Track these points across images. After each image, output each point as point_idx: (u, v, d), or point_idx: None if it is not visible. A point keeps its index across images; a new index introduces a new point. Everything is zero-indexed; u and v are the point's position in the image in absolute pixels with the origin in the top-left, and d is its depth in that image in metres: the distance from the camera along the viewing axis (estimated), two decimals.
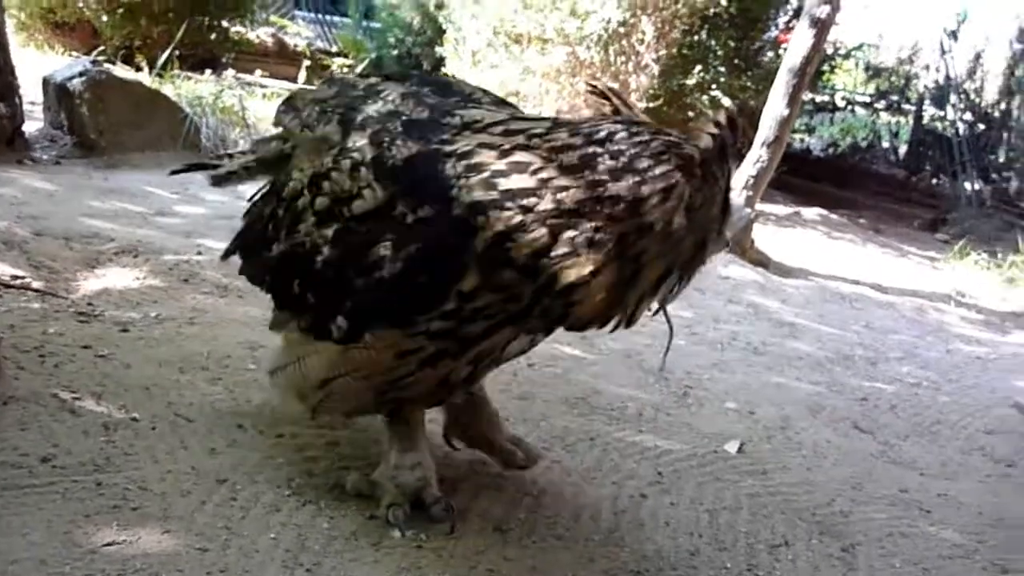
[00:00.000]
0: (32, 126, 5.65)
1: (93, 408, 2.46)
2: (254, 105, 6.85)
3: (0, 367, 2.52)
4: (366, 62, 9.91)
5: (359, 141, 1.95)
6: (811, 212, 9.38)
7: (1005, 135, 11.97)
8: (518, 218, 1.73)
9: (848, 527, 2.65)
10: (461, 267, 1.79)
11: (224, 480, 2.24)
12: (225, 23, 10.00)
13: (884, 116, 13.65)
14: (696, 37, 8.64)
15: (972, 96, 12.41)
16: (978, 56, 12.40)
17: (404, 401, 2.15)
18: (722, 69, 8.83)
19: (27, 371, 2.60)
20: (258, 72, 9.25)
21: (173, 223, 4.41)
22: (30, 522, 1.94)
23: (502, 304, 1.82)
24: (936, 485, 3.11)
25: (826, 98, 13.05)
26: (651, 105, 8.01)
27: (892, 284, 6.79)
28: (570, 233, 1.70)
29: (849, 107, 13.52)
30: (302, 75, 9.11)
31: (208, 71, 7.78)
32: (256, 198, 2.37)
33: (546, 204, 1.71)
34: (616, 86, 7.90)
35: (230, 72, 7.87)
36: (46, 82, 5.83)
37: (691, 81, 8.52)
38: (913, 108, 13.36)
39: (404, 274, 1.83)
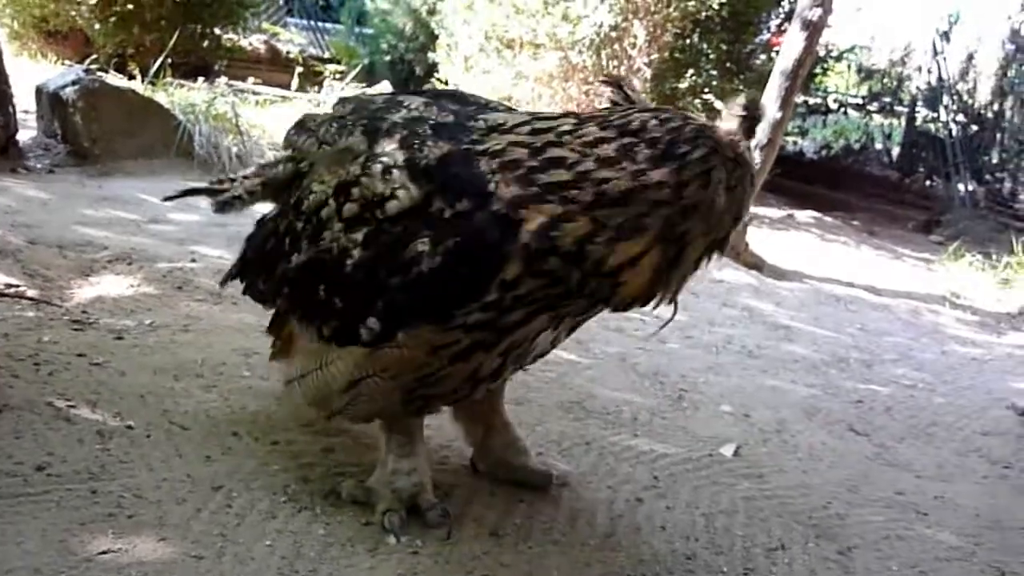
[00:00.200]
0: (25, 135, 5.64)
1: (88, 416, 2.46)
2: (247, 112, 6.84)
3: None
4: (358, 68, 9.90)
5: (388, 146, 1.99)
6: (805, 215, 9.39)
7: (998, 136, 12.01)
8: (560, 209, 1.80)
9: (844, 530, 2.65)
10: (503, 258, 1.84)
11: (219, 487, 2.24)
12: (218, 30, 10.00)
13: (877, 118, 13.67)
14: (688, 41, 8.65)
15: (965, 97, 12.45)
16: (970, 57, 12.44)
17: (431, 399, 2.18)
18: (714, 72, 8.85)
19: (22, 379, 2.60)
20: (251, 79, 9.24)
21: (167, 231, 4.41)
22: (25, 531, 1.94)
23: (544, 289, 1.88)
24: (932, 487, 3.11)
25: (819, 100, 13.08)
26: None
27: (887, 286, 6.80)
28: (616, 220, 1.79)
29: (842, 109, 13.53)
30: (295, 82, 9.09)
31: (201, 79, 7.77)
32: (265, 219, 2.43)
33: (587, 195, 1.79)
34: (609, 90, 7.92)
35: (223, 79, 7.88)
36: (39, 91, 5.83)
37: (683, 85, 8.53)
38: (906, 110, 13.40)
39: (444, 268, 1.86)
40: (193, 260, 3.95)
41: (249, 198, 2.43)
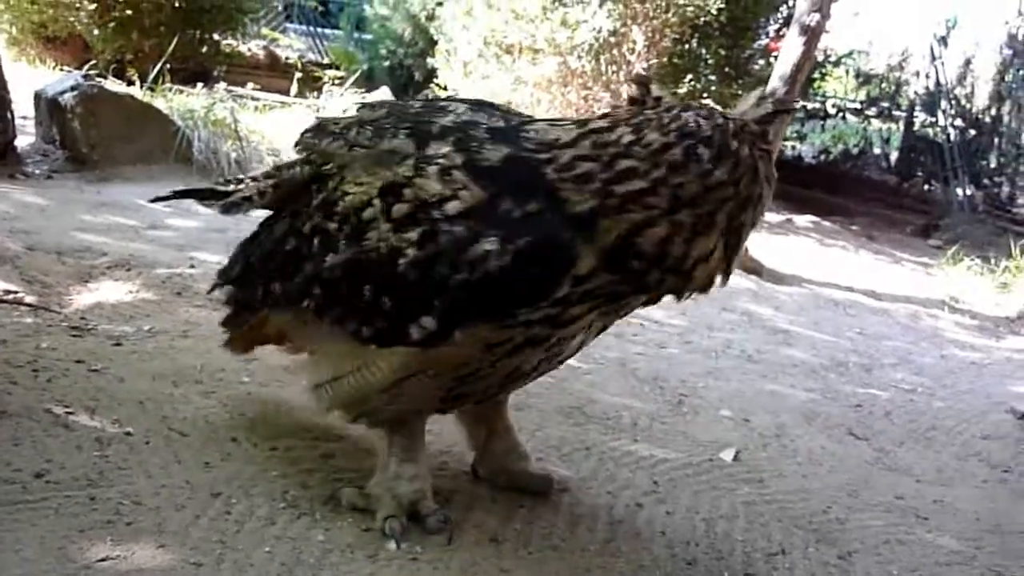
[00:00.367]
0: (24, 140, 5.64)
1: (86, 423, 2.45)
2: (246, 118, 6.85)
3: None
4: (357, 74, 9.90)
5: (442, 148, 2.01)
6: (803, 219, 9.40)
7: (996, 140, 12.02)
8: (642, 217, 1.87)
9: (845, 534, 2.64)
10: (575, 256, 1.90)
11: (218, 494, 2.23)
12: (217, 36, 10.02)
13: (875, 123, 13.70)
14: (687, 46, 8.67)
15: (963, 102, 12.46)
16: (968, 62, 12.45)
17: (465, 396, 2.22)
18: (713, 77, 8.86)
19: (20, 386, 2.59)
20: (250, 85, 9.23)
21: (166, 236, 4.40)
22: (23, 538, 1.93)
23: (616, 285, 1.96)
24: (932, 491, 3.10)
25: (817, 105, 13.10)
26: None
27: (885, 290, 6.80)
28: (691, 220, 1.88)
29: (840, 114, 13.56)
30: (294, 88, 9.10)
31: (200, 84, 7.77)
32: (270, 222, 2.40)
33: (664, 201, 1.87)
34: (608, 95, 7.94)
35: (222, 85, 7.87)
36: (38, 96, 5.83)
37: (682, 90, 8.54)
38: (904, 114, 13.41)
39: (514, 267, 1.89)
40: (192, 266, 3.95)
41: (259, 199, 2.40)
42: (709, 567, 2.33)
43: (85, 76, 6.00)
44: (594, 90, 8.02)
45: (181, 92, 6.97)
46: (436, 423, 2.61)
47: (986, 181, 11.93)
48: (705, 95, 8.58)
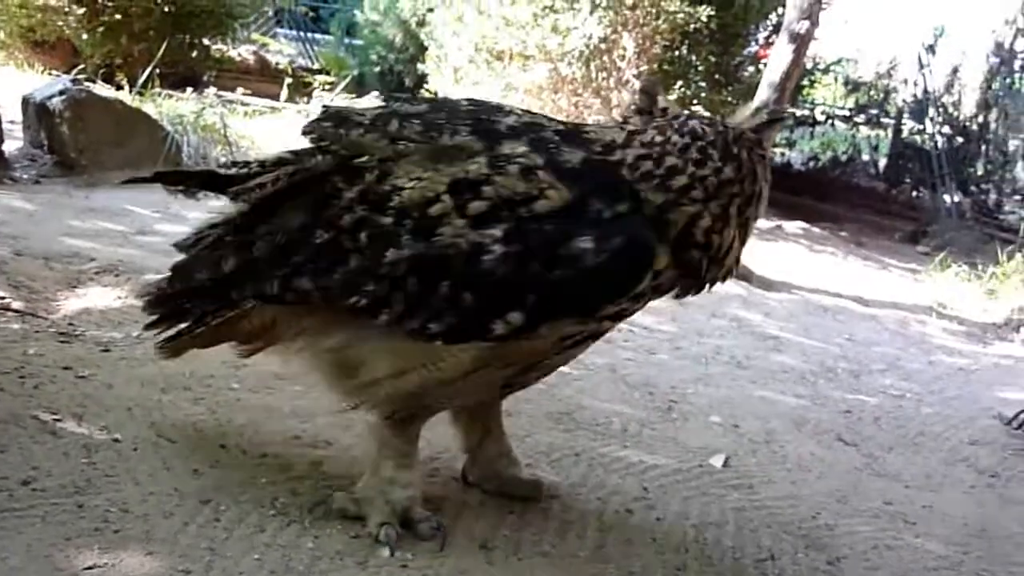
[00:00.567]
0: (11, 145, 5.62)
1: (74, 429, 2.44)
2: (236, 123, 6.84)
3: None
4: (348, 79, 9.91)
5: (518, 148, 2.08)
6: (793, 226, 9.42)
7: (983, 148, 12.06)
8: (693, 208, 2.09)
9: (834, 540, 2.65)
10: (656, 252, 2.07)
11: (207, 501, 2.22)
12: (206, 41, 10.00)
13: (864, 130, 13.72)
14: (677, 53, 8.70)
15: (950, 109, 12.51)
16: (955, 70, 12.50)
17: (515, 387, 2.34)
18: (703, 84, 8.90)
19: (7, 392, 2.58)
20: (240, 90, 9.26)
21: (154, 242, 4.39)
22: (10, 546, 1.92)
23: (676, 279, 2.16)
24: (920, 497, 3.11)
25: (806, 112, 13.13)
26: None
27: (874, 297, 6.82)
28: (719, 212, 2.11)
29: (829, 121, 13.60)
30: (284, 93, 9.10)
31: (189, 89, 7.77)
32: (274, 214, 2.22)
33: (700, 193, 2.10)
34: (598, 101, 7.96)
35: (211, 90, 7.88)
36: (26, 101, 5.81)
37: (672, 96, 8.55)
38: (892, 122, 13.44)
39: (609, 264, 2.01)
40: None
41: (272, 187, 2.25)
42: (699, 573, 2.33)
43: (74, 81, 5.98)
44: (584, 96, 8.03)
45: (170, 97, 6.96)
46: (424, 431, 2.60)
47: (973, 188, 11.97)
48: (695, 102, 8.62)
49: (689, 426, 3.37)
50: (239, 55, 11.24)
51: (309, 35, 14.20)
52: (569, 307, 2.06)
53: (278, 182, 2.24)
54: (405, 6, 10.58)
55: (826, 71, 12.56)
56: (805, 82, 11.22)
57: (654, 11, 7.70)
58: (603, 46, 7.74)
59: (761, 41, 10.14)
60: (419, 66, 9.55)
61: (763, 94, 6.29)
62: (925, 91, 12.39)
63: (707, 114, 2.29)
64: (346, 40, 13.16)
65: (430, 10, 9.51)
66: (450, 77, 8.62)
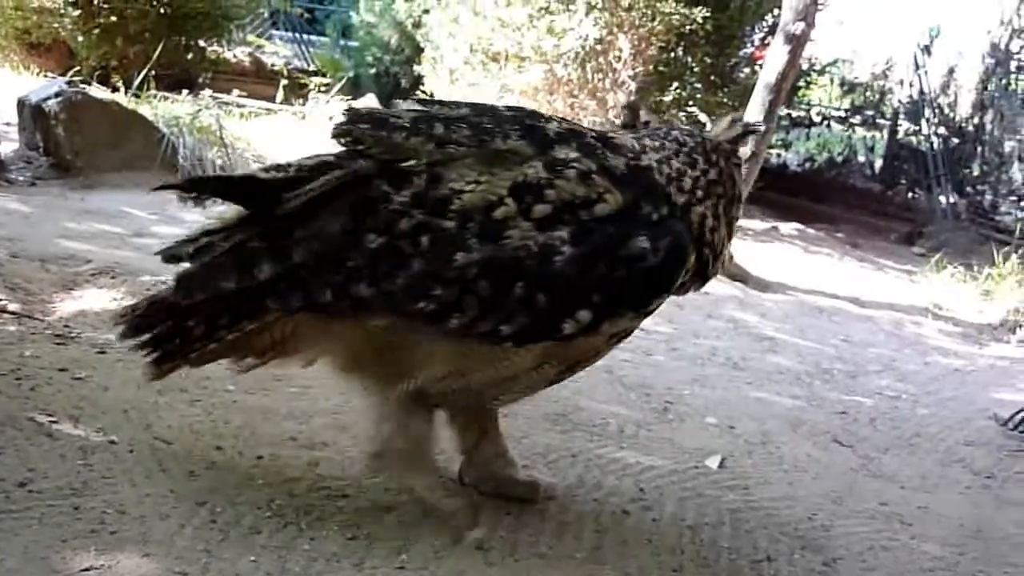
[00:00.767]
0: (7, 147, 5.62)
1: (70, 431, 2.44)
2: (231, 125, 6.84)
3: None
4: (344, 81, 9.90)
5: (571, 153, 2.16)
6: (788, 227, 9.42)
7: (979, 149, 12.07)
8: (702, 208, 2.27)
9: (830, 541, 2.65)
10: (690, 252, 2.24)
11: (203, 503, 2.23)
12: (202, 43, 9.99)
13: (859, 131, 13.74)
14: (672, 54, 8.69)
15: (946, 110, 12.52)
16: (951, 71, 12.52)
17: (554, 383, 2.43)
18: (698, 85, 8.90)
19: (3, 394, 2.58)
20: (235, 92, 9.23)
21: (151, 244, 4.38)
22: (6, 548, 1.92)
23: (691, 275, 2.31)
24: (916, 498, 3.12)
25: (802, 113, 13.15)
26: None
27: (870, 298, 6.83)
28: (714, 210, 2.29)
29: (825, 122, 13.60)
30: (280, 94, 9.09)
31: (185, 91, 7.76)
32: (307, 218, 2.14)
33: (700, 194, 2.28)
34: (594, 103, 7.96)
35: (207, 92, 7.86)
36: (21, 103, 5.80)
37: (668, 98, 8.57)
38: (888, 123, 13.46)
39: (664, 263, 2.17)
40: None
41: (317, 191, 2.15)
42: (695, 574, 2.33)
43: (69, 83, 5.97)
44: (580, 98, 8.03)
45: (166, 99, 6.96)
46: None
47: (969, 189, 11.97)
48: (691, 103, 8.62)
49: (685, 427, 3.38)
50: (235, 57, 11.22)
51: (305, 37, 14.17)
52: (629, 304, 2.19)
53: (325, 186, 2.15)
54: (401, 8, 10.57)
55: (822, 72, 12.57)
56: (801, 83, 11.23)
57: (650, 12, 7.70)
58: (599, 47, 7.74)
59: (757, 42, 10.14)
60: (415, 68, 9.54)
61: (759, 95, 6.29)
62: (921, 92, 12.40)
63: (684, 127, 2.38)
64: (342, 42, 13.15)
65: (426, 11, 9.50)
66: (446, 78, 8.62)
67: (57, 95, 5.57)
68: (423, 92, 9.09)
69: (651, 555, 2.38)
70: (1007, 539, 2.91)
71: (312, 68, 11.81)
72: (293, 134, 7.77)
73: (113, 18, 8.87)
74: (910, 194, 12.63)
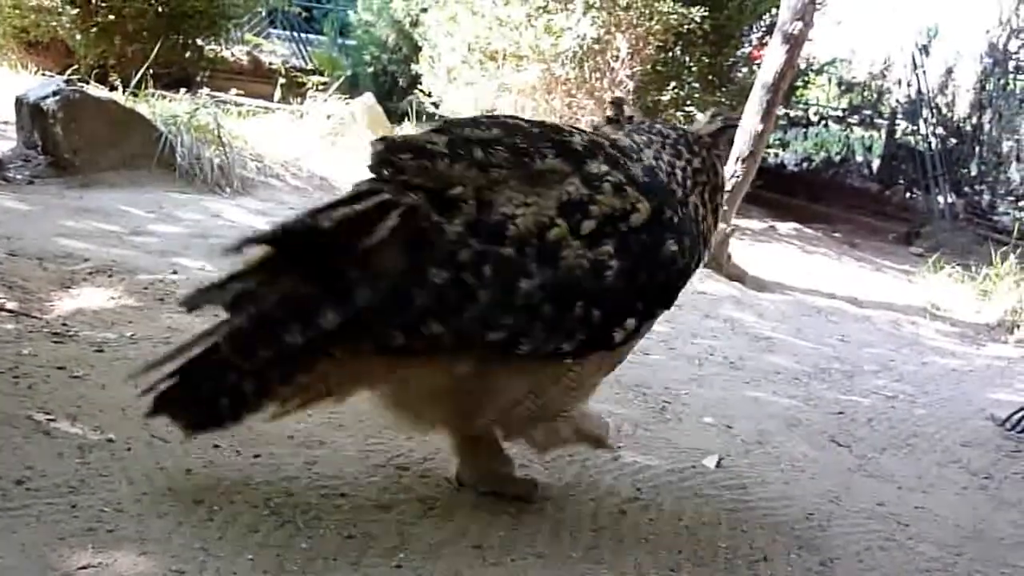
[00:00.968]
0: (5, 146, 5.62)
1: (68, 429, 2.44)
2: (229, 123, 6.83)
3: None
4: (341, 80, 9.89)
5: (603, 167, 2.20)
6: (786, 226, 9.44)
7: (977, 149, 12.08)
8: (695, 199, 2.43)
9: (826, 541, 2.65)
10: (701, 245, 2.40)
11: (200, 501, 2.22)
12: (200, 41, 9.99)
13: (857, 130, 13.75)
14: (670, 53, 8.71)
15: (944, 110, 12.53)
16: (949, 71, 12.53)
17: None
18: (696, 85, 8.92)
19: (1, 392, 2.57)
20: (233, 90, 9.24)
21: (148, 242, 4.39)
22: (4, 546, 1.92)
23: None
24: (913, 498, 3.12)
25: (800, 113, 13.16)
26: None
27: (867, 297, 6.84)
28: (701, 199, 2.45)
29: (822, 122, 13.62)
30: (277, 93, 9.08)
31: (183, 90, 7.76)
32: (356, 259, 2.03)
33: (691, 183, 2.43)
34: (592, 102, 7.96)
35: (205, 90, 7.85)
36: (19, 102, 5.79)
37: (665, 97, 8.58)
38: (886, 122, 13.46)
39: (689, 261, 2.31)
40: (174, 272, 3.93)
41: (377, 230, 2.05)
42: (692, 574, 2.33)
43: (67, 81, 5.96)
44: (578, 97, 8.04)
45: (164, 97, 6.95)
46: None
47: (967, 189, 11.99)
48: (688, 103, 8.63)
49: (682, 427, 3.38)
50: (232, 56, 11.22)
51: (302, 35, 14.17)
52: (663, 304, 2.33)
53: (382, 221, 2.04)
54: (398, 6, 10.57)
55: (820, 72, 12.58)
56: (799, 83, 11.24)
57: (647, 12, 7.72)
58: (596, 47, 7.75)
59: (755, 42, 10.16)
60: (413, 66, 9.54)
61: (757, 95, 6.30)
62: (919, 92, 12.41)
63: (666, 120, 2.51)
64: (339, 40, 13.17)
65: (424, 10, 9.51)
66: (444, 77, 8.63)
67: (55, 94, 5.56)
68: (421, 91, 9.09)
69: (648, 554, 2.38)
70: (1004, 540, 2.92)
71: (310, 67, 11.80)
72: (291, 133, 7.78)
73: (111, 17, 8.87)
74: (908, 194, 12.64)
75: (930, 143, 12.13)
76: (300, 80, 9.76)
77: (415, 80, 9.49)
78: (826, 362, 4.76)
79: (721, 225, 6.01)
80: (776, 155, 12.79)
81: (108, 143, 5.63)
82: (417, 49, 9.54)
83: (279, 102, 8.95)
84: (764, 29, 9.88)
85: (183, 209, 5.06)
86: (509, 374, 2.22)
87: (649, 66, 8.23)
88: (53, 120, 5.48)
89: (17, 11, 8.90)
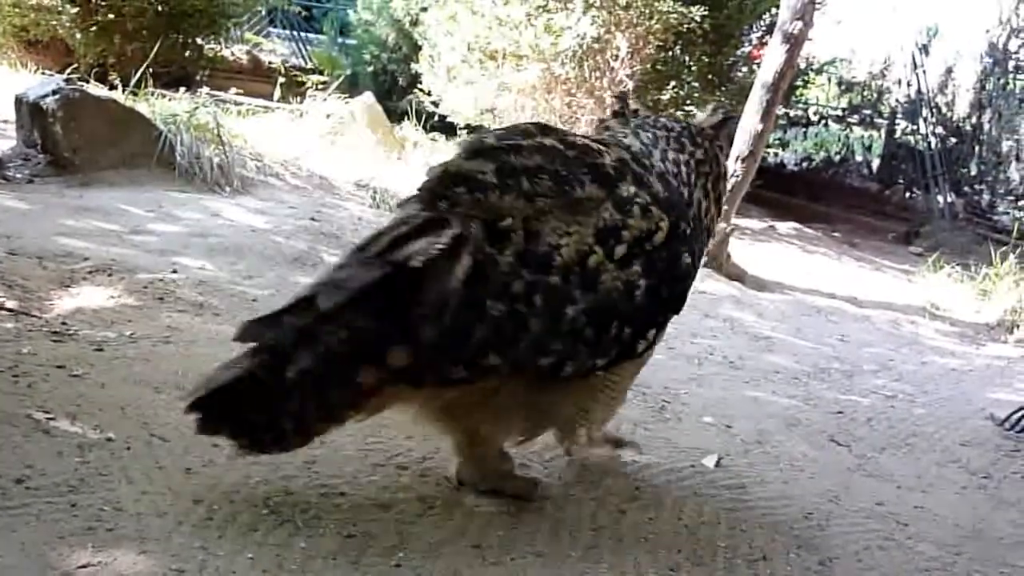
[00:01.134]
0: (4, 145, 5.61)
1: (67, 428, 2.44)
2: (229, 122, 6.82)
3: None
4: (341, 79, 9.89)
5: (631, 188, 2.29)
6: (786, 226, 9.44)
7: (976, 148, 12.08)
8: (699, 192, 2.57)
9: (826, 541, 2.65)
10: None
11: (200, 500, 2.22)
12: (200, 40, 9.99)
13: (857, 130, 13.75)
14: (670, 53, 8.71)
15: (943, 110, 12.53)
16: (949, 70, 12.53)
17: None
18: (696, 84, 8.91)
19: (0, 391, 2.57)
20: (233, 89, 9.22)
21: (148, 241, 4.38)
22: (3, 545, 1.92)
23: None
24: (912, 498, 3.12)
25: (799, 112, 13.16)
26: None
27: (867, 297, 6.84)
28: (703, 191, 2.59)
29: (822, 121, 13.63)
30: (277, 92, 9.08)
31: (182, 88, 7.75)
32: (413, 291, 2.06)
33: (695, 176, 2.57)
34: (591, 101, 7.96)
35: (205, 89, 7.84)
36: (19, 100, 5.79)
37: (665, 96, 8.58)
38: (885, 122, 13.47)
39: (696, 268, 2.45)
40: (174, 271, 3.93)
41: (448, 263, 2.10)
42: (692, 573, 2.33)
43: (67, 80, 5.95)
44: (578, 96, 8.04)
45: (164, 96, 6.94)
46: (418, 429, 2.61)
47: (966, 189, 12.00)
48: (688, 102, 8.62)
49: (682, 426, 3.38)
50: (232, 55, 11.21)
51: (302, 34, 14.17)
52: (676, 311, 2.44)
53: (457, 258, 2.09)
54: (398, 5, 10.57)
55: (819, 71, 12.58)
56: (798, 82, 11.24)
57: (647, 11, 7.71)
58: (596, 46, 7.75)
59: (755, 41, 10.16)
60: (413, 66, 9.53)
61: (756, 94, 6.31)
62: (918, 91, 12.41)
63: (669, 114, 2.60)
64: (339, 40, 13.15)
65: (423, 9, 9.50)
66: (443, 77, 8.62)
67: (55, 92, 5.56)
68: (421, 90, 9.09)
69: (647, 554, 2.38)
70: (1003, 540, 2.92)
71: (309, 66, 11.79)
72: (290, 132, 7.77)
73: (111, 16, 8.86)
74: (907, 193, 12.64)
75: (930, 143, 12.14)
76: (300, 79, 9.76)
77: (415, 79, 9.49)
78: (825, 362, 4.76)
79: (721, 224, 6.05)
80: (776, 154, 12.80)
81: (108, 142, 5.63)
82: (417, 48, 9.53)
83: (279, 101, 8.94)
84: (764, 28, 9.88)
85: (183, 208, 5.06)
86: (558, 394, 2.34)
87: (649, 65, 8.23)
88: (53, 119, 5.47)
89: (17, 10, 8.89)
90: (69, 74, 6.80)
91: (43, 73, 8.30)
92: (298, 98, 8.93)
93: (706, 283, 5.84)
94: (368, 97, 8.55)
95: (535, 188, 2.18)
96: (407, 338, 2.04)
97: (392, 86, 11.09)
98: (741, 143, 6.21)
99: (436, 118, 9.07)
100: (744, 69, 9.76)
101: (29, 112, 5.65)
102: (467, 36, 8.20)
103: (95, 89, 6.19)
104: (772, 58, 6.33)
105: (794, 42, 6.23)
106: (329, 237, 5.07)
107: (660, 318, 2.39)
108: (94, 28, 8.84)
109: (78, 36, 8.91)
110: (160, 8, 9.13)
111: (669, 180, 2.46)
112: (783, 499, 2.89)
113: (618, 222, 2.22)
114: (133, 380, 2.82)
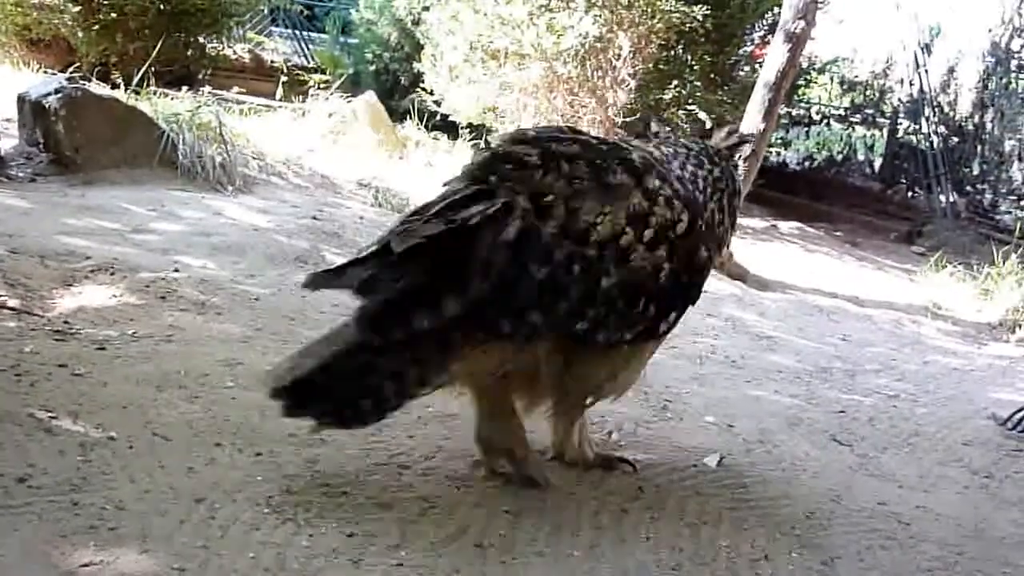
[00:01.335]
0: (7, 143, 5.61)
1: (69, 427, 2.44)
2: (231, 121, 6.82)
3: None
4: (343, 78, 9.89)
5: (656, 181, 2.53)
6: (788, 225, 9.43)
7: (979, 148, 12.06)
8: (714, 204, 2.78)
9: (828, 540, 2.65)
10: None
11: (202, 499, 2.23)
12: (202, 39, 9.97)
13: (859, 130, 13.75)
14: (672, 52, 8.70)
15: (946, 109, 12.52)
16: (952, 70, 12.52)
17: None
18: (698, 84, 8.90)
19: (2, 390, 2.58)
20: (235, 88, 9.23)
21: (150, 240, 4.38)
22: (6, 543, 1.92)
23: None
24: (914, 497, 3.12)
25: (802, 112, 13.16)
26: (629, 120, 8.05)
27: (869, 297, 6.83)
28: (718, 205, 2.80)
29: (824, 121, 13.62)
30: (279, 91, 9.07)
31: (185, 88, 7.75)
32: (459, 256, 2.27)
33: (711, 189, 2.77)
34: (593, 101, 7.96)
35: (207, 88, 7.84)
36: (21, 99, 5.79)
37: (667, 96, 8.57)
38: (888, 121, 13.46)
39: (710, 265, 2.70)
40: (176, 270, 3.93)
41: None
42: (693, 573, 2.33)
43: (69, 79, 5.96)
44: (580, 96, 8.03)
45: (166, 95, 6.95)
46: (420, 428, 2.61)
47: (969, 188, 11.98)
48: (690, 101, 8.62)
49: (684, 426, 3.38)
50: (234, 53, 11.20)
51: (304, 34, 14.15)
52: (693, 301, 2.68)
53: (507, 222, 2.31)
54: (400, 4, 10.56)
55: (822, 71, 12.58)
56: (801, 81, 11.23)
57: (649, 10, 7.70)
58: (599, 45, 7.74)
59: (757, 41, 10.16)
60: (415, 65, 9.53)
61: (759, 94, 6.30)
62: (921, 91, 12.40)
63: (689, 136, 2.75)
64: (341, 39, 13.13)
65: (425, 9, 9.49)
66: (446, 76, 8.61)
67: (57, 91, 5.56)
68: (423, 89, 9.08)
69: (650, 553, 2.38)
70: (1005, 539, 2.92)
71: (312, 65, 11.80)
72: (292, 131, 7.78)
73: (113, 15, 8.85)
74: (910, 193, 12.65)
75: (932, 142, 12.12)
76: (302, 78, 9.76)
77: (417, 78, 9.48)
78: (827, 361, 4.76)
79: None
80: (778, 154, 12.81)
81: (110, 141, 5.63)
82: (419, 47, 9.52)
83: (281, 100, 8.93)
84: (766, 28, 9.87)
85: (184, 207, 5.06)
86: (589, 364, 2.56)
87: (651, 64, 8.21)
88: (55, 118, 5.48)
89: (19, 9, 8.89)
90: (71, 73, 6.80)
91: (45, 72, 8.30)
92: (300, 97, 8.93)
93: (708, 282, 5.83)
94: (370, 96, 8.56)
95: (574, 172, 2.42)
96: (462, 289, 2.26)
97: (394, 85, 11.09)
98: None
99: (438, 117, 9.06)
100: (746, 68, 9.76)
101: (31, 111, 5.66)
102: (469, 35, 8.19)
103: (97, 88, 6.19)
104: (774, 57, 6.33)
105: (796, 41, 6.23)
106: (331, 236, 5.07)
107: (679, 303, 2.61)
108: (96, 27, 8.83)
109: (80, 35, 8.91)
110: (162, 7, 9.12)
111: (687, 184, 2.68)
112: (785, 498, 2.89)
113: (646, 208, 2.45)
114: (135, 379, 2.82)
